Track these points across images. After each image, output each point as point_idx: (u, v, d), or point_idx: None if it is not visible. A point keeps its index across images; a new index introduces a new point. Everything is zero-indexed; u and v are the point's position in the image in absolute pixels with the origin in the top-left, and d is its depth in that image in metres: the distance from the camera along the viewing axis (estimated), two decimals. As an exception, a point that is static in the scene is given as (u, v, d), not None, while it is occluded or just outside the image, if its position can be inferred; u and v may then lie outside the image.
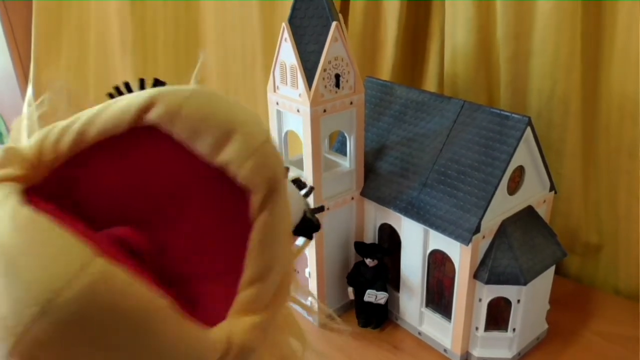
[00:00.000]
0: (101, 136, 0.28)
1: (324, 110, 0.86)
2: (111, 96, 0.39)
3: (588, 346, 0.95)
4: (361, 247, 0.98)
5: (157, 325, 0.24)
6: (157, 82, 0.41)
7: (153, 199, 0.28)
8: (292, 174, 0.47)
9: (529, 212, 0.89)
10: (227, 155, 0.27)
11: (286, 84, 0.87)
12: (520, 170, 0.85)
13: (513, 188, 0.85)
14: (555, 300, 0.97)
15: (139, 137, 0.28)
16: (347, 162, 0.96)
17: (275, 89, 0.91)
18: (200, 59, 0.48)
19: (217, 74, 1.38)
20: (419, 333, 0.97)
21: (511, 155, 0.81)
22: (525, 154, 0.84)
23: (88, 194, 0.28)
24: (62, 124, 0.29)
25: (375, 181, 0.96)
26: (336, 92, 0.87)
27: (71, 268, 0.22)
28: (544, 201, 0.93)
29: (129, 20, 1.36)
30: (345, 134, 0.94)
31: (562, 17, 0.92)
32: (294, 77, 0.85)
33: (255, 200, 0.28)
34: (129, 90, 0.40)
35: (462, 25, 1.04)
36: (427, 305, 0.95)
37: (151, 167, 0.29)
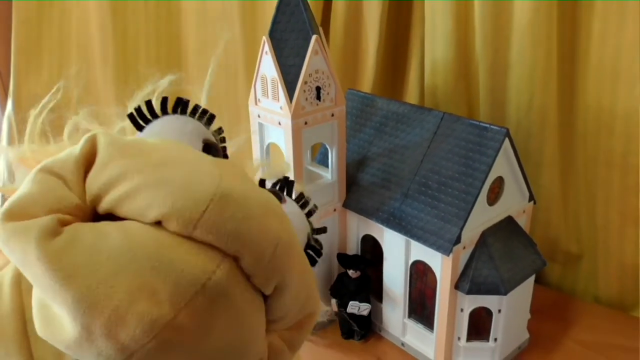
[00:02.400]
0: (129, 217, 0.30)
1: (305, 123, 0.86)
2: (131, 117, 0.41)
3: (569, 354, 0.96)
4: (344, 259, 0.98)
5: (258, 308, 0.31)
6: (179, 101, 0.42)
7: None
8: (297, 185, 0.46)
9: (509, 223, 0.90)
10: (245, 270, 0.30)
11: (267, 96, 0.88)
12: (499, 181, 0.86)
13: (493, 199, 0.86)
14: (537, 309, 0.98)
15: None
16: (329, 174, 0.96)
17: (256, 101, 0.91)
18: (211, 66, 0.51)
19: (200, 84, 1.38)
20: (402, 344, 0.97)
21: (490, 166, 0.82)
22: (504, 165, 0.85)
23: None
24: (103, 174, 0.30)
25: (357, 192, 0.97)
26: (317, 104, 0.87)
27: (214, 257, 0.29)
28: (524, 211, 0.94)
29: (110, 34, 1.36)
30: (327, 146, 0.94)
31: (538, 31, 0.94)
32: (275, 90, 0.86)
33: (266, 292, 0.31)
34: (150, 109, 0.41)
35: (441, 39, 1.06)
36: (409, 316, 0.95)
37: None
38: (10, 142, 1.51)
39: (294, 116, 0.84)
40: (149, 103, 0.41)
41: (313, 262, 0.42)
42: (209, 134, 0.42)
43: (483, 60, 1.02)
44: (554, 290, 1.14)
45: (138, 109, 0.41)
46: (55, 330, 0.27)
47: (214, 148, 0.41)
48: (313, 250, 0.43)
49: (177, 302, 0.27)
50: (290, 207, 0.43)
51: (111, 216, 0.30)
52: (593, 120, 0.99)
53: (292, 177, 0.44)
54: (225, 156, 0.43)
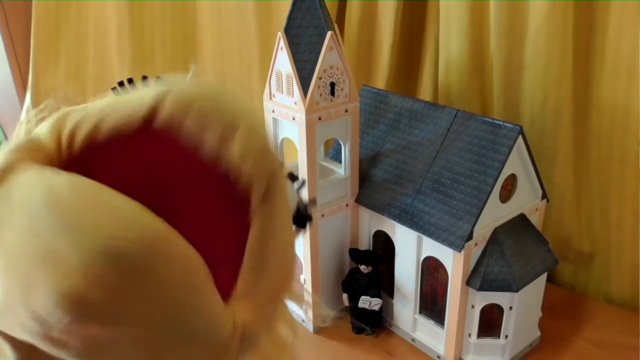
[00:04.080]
0: (114, 131, 0.29)
1: (319, 118, 0.87)
2: (114, 90, 0.38)
3: (580, 354, 0.95)
4: (356, 254, 0.98)
5: (201, 283, 0.27)
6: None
7: (160, 191, 0.30)
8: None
9: (521, 220, 0.90)
10: (232, 150, 0.28)
11: (282, 92, 0.89)
12: (512, 179, 0.86)
13: (505, 196, 0.86)
14: (548, 307, 0.98)
15: (148, 134, 0.29)
16: (342, 170, 0.97)
17: (271, 97, 0.92)
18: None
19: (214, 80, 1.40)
20: (413, 340, 0.98)
21: (503, 164, 0.82)
22: (517, 163, 0.85)
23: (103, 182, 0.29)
24: (74, 115, 0.29)
25: (369, 188, 0.98)
26: (331, 100, 0.88)
27: (137, 224, 0.25)
28: (537, 209, 0.94)
29: (127, 30, 1.38)
30: (340, 142, 0.95)
31: (554, 28, 0.94)
32: (290, 85, 0.86)
33: (256, 193, 0.29)
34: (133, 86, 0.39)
35: (456, 36, 1.06)
36: (420, 312, 0.96)
37: (160, 163, 0.30)
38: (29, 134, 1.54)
39: (308, 111, 0.85)
40: (130, 80, 0.38)
41: (303, 224, 0.41)
42: None
43: (498, 58, 1.02)
44: (566, 289, 1.14)
45: (121, 83, 0.38)
46: None
47: None
48: (302, 214, 0.41)
49: (86, 272, 0.24)
50: None
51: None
52: (607, 119, 0.99)
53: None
54: None
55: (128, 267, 0.25)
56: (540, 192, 0.92)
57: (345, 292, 1.00)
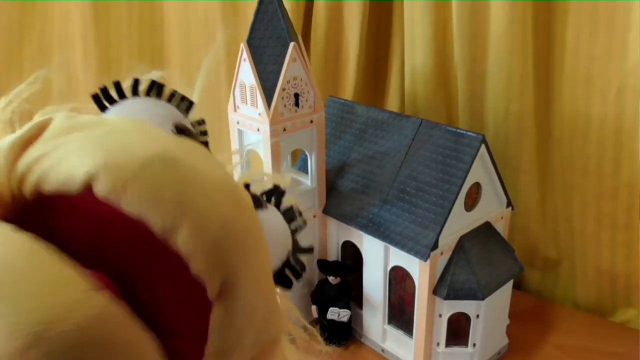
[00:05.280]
0: (56, 193, 0.25)
1: (284, 129, 0.87)
2: (95, 97, 0.35)
3: (548, 359, 0.96)
4: (324, 265, 0.98)
5: None
6: (153, 83, 0.37)
7: (114, 255, 0.26)
8: (291, 196, 0.40)
9: (486, 228, 0.91)
10: (178, 244, 0.24)
11: (246, 103, 0.88)
12: (476, 187, 0.87)
13: (470, 204, 0.87)
14: (516, 314, 0.99)
15: (93, 199, 0.25)
16: (308, 181, 0.96)
17: (235, 108, 0.91)
18: (202, 70, 0.45)
19: (182, 91, 1.38)
20: (383, 350, 0.97)
21: (467, 172, 0.83)
22: (481, 171, 0.86)
23: (59, 235, 0.26)
24: (26, 156, 0.26)
25: (337, 199, 0.97)
26: (296, 111, 0.88)
27: (67, 300, 0.21)
28: (502, 217, 0.95)
29: (92, 42, 1.36)
30: (306, 153, 0.95)
31: (514, 39, 0.96)
32: (254, 96, 0.86)
33: (210, 289, 0.25)
34: (119, 91, 0.36)
35: (420, 47, 1.07)
36: (389, 322, 0.95)
37: (109, 227, 0.25)
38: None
39: (272, 122, 0.85)
40: (117, 84, 0.35)
41: (289, 284, 0.36)
42: (183, 119, 0.37)
43: (461, 68, 1.03)
44: (534, 295, 1.15)
45: (104, 89, 0.35)
46: None
47: (188, 134, 0.35)
48: (292, 270, 0.36)
49: (7, 352, 0.20)
50: (270, 215, 0.36)
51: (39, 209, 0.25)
52: (568, 127, 1.01)
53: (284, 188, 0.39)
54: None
55: (55, 353, 0.20)
56: (505, 200, 0.93)
57: (314, 303, 0.99)
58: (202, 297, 0.25)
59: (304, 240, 0.38)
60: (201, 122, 0.39)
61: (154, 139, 0.26)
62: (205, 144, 0.38)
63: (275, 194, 0.39)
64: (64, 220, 0.26)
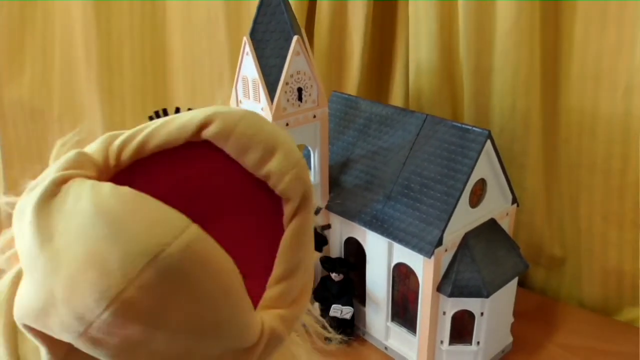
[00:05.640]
0: (160, 148, 0.32)
1: (287, 124, 0.86)
2: (151, 119, 0.41)
3: (552, 359, 0.95)
4: (327, 262, 0.97)
5: (235, 286, 0.29)
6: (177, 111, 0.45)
7: (201, 204, 0.32)
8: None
9: (491, 225, 0.90)
10: (270, 169, 0.31)
11: (249, 97, 0.87)
12: (482, 183, 0.86)
13: (475, 201, 0.86)
14: (520, 312, 0.97)
15: (192, 151, 0.32)
16: (311, 176, 0.95)
17: (237, 102, 0.90)
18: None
19: (184, 91, 1.38)
20: (386, 348, 0.96)
21: (472, 168, 0.81)
22: (486, 167, 0.85)
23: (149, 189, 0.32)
24: (126, 133, 0.33)
25: (340, 195, 0.96)
26: (299, 105, 0.87)
27: (174, 228, 0.27)
28: (507, 214, 0.94)
29: (94, 36, 1.35)
30: (309, 148, 0.94)
31: (521, 34, 0.95)
32: (256, 91, 0.85)
33: (289, 208, 0.32)
34: (166, 115, 0.43)
35: (425, 42, 1.06)
36: (392, 320, 0.94)
37: (201, 177, 0.33)
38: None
39: (275, 117, 0.84)
40: (164, 111, 0.45)
41: (319, 247, 0.43)
42: None
43: (467, 64, 1.02)
44: (538, 293, 1.14)
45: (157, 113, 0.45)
46: (25, 300, 0.28)
47: None
48: (319, 237, 0.43)
49: (127, 273, 0.26)
50: None
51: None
52: (576, 124, 0.99)
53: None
54: None
55: (167, 270, 0.26)
56: (510, 196, 0.92)
57: (316, 300, 0.98)
58: (275, 228, 0.32)
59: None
60: None
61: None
62: None
63: None
64: (154, 178, 0.33)
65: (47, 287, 0.27)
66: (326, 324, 0.47)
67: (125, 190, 0.29)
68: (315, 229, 0.41)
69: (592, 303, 1.09)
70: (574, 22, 0.95)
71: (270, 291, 0.32)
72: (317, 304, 0.98)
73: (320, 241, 0.41)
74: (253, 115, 0.33)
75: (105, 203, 0.28)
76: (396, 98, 1.18)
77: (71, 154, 0.31)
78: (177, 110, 0.44)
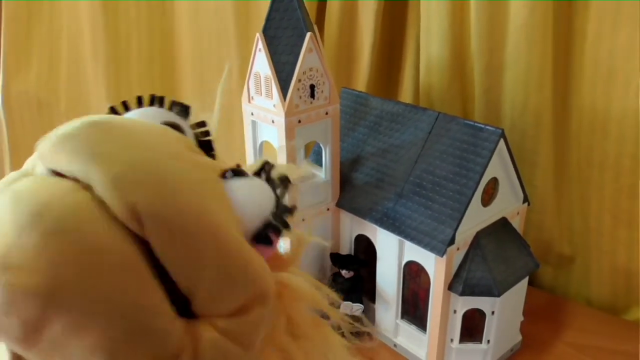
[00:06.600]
0: None
1: (299, 121, 0.85)
2: (112, 109, 0.40)
3: (561, 357, 0.95)
4: (337, 259, 0.97)
5: (139, 267, 0.28)
6: (154, 97, 0.41)
7: None
8: (282, 167, 0.42)
9: (502, 224, 0.90)
10: (97, 191, 0.28)
11: (261, 94, 0.87)
12: (494, 182, 0.85)
13: (487, 200, 0.86)
14: (529, 311, 0.97)
15: None
16: (322, 173, 0.95)
17: (249, 99, 0.90)
18: (226, 70, 0.51)
19: (192, 84, 1.37)
20: (395, 345, 0.96)
21: (485, 167, 0.81)
22: (498, 166, 0.85)
23: None
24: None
25: (350, 192, 0.96)
26: (311, 102, 0.86)
27: (62, 189, 0.28)
28: (518, 213, 0.93)
29: (101, 30, 1.34)
30: (321, 145, 0.93)
31: (534, 31, 0.94)
32: (269, 87, 0.85)
33: (132, 228, 0.28)
34: (140, 104, 0.41)
35: (436, 37, 1.05)
36: (402, 317, 0.94)
37: None
38: (-1, 138, 1.49)
39: (288, 114, 0.83)
40: (124, 103, 0.41)
41: (268, 242, 0.37)
42: (174, 118, 0.40)
43: (478, 60, 1.01)
44: (547, 292, 1.14)
45: (112, 108, 0.40)
46: None
47: (177, 130, 0.39)
48: (274, 229, 0.37)
49: (13, 236, 0.26)
50: (251, 181, 0.38)
51: None
52: (587, 122, 0.99)
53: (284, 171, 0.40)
54: (207, 148, 0.41)
55: (50, 227, 0.26)
56: (521, 195, 0.92)
57: (326, 297, 0.98)
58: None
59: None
60: (201, 124, 0.42)
61: (93, 116, 0.31)
62: (207, 142, 0.41)
63: (265, 168, 0.41)
64: None
65: None
66: (363, 318, 0.47)
67: (36, 175, 0.30)
68: (271, 216, 0.37)
69: (601, 302, 1.09)
70: (587, 17, 0.94)
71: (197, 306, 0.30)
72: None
73: (273, 230, 0.36)
74: (80, 127, 0.30)
75: (16, 183, 0.29)
76: (406, 94, 1.18)
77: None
78: (153, 98, 0.41)
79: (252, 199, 0.36)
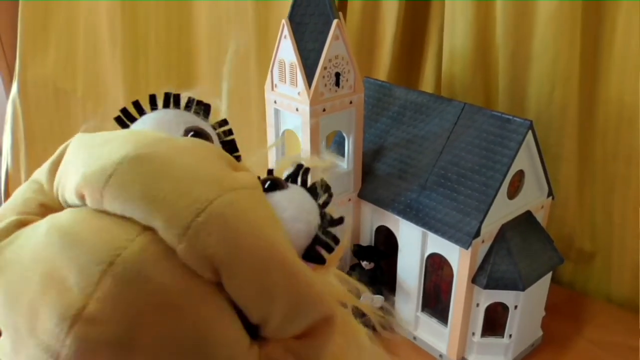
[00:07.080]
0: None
1: (324, 110, 0.84)
2: (118, 120, 0.37)
3: (582, 353, 0.94)
4: (358, 250, 0.96)
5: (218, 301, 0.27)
6: (168, 95, 0.39)
7: None
8: (321, 172, 0.40)
9: (527, 217, 0.88)
10: (163, 237, 0.26)
11: (285, 82, 0.86)
12: (520, 175, 0.84)
13: (513, 192, 0.84)
14: (549, 306, 0.96)
15: None
16: (344, 163, 0.94)
17: (273, 87, 0.89)
18: (230, 51, 0.48)
19: (210, 72, 1.36)
20: (414, 338, 0.96)
21: (512, 159, 0.80)
22: (525, 159, 0.83)
23: None
24: (56, 180, 0.31)
25: (373, 183, 0.95)
26: (336, 91, 0.85)
27: (128, 232, 0.25)
28: (542, 207, 0.92)
29: (119, 16, 1.33)
30: (344, 134, 0.92)
31: (562, 23, 0.92)
32: (294, 75, 0.83)
33: (208, 278, 0.26)
34: (139, 110, 0.38)
35: (461, 27, 1.03)
36: (423, 310, 0.94)
37: None
38: (16, 125, 1.49)
39: (313, 102, 0.82)
40: (136, 102, 0.38)
41: (321, 261, 0.35)
42: (198, 121, 0.38)
43: (504, 51, 1.00)
44: (566, 288, 1.13)
45: (124, 110, 0.38)
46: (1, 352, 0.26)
47: (203, 136, 0.36)
48: (323, 245, 0.35)
49: (85, 286, 0.23)
50: (292, 193, 0.36)
51: None
52: (614, 116, 0.97)
53: (308, 165, 0.38)
54: (231, 148, 0.39)
55: (126, 275, 0.24)
56: (546, 189, 0.91)
57: (345, 288, 0.97)
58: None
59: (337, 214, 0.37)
60: (223, 123, 0.40)
61: (130, 141, 0.28)
62: (230, 142, 0.39)
63: (300, 173, 0.39)
64: None
65: (11, 324, 0.25)
66: (387, 309, 0.45)
67: (81, 208, 0.27)
68: (316, 234, 0.35)
69: (621, 298, 1.08)
70: (617, 10, 0.92)
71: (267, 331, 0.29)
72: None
73: (324, 249, 0.34)
74: (125, 169, 0.26)
75: (58, 220, 0.26)
76: (427, 84, 1.16)
77: (24, 189, 0.31)
78: (167, 96, 0.39)
79: (299, 215, 0.34)
